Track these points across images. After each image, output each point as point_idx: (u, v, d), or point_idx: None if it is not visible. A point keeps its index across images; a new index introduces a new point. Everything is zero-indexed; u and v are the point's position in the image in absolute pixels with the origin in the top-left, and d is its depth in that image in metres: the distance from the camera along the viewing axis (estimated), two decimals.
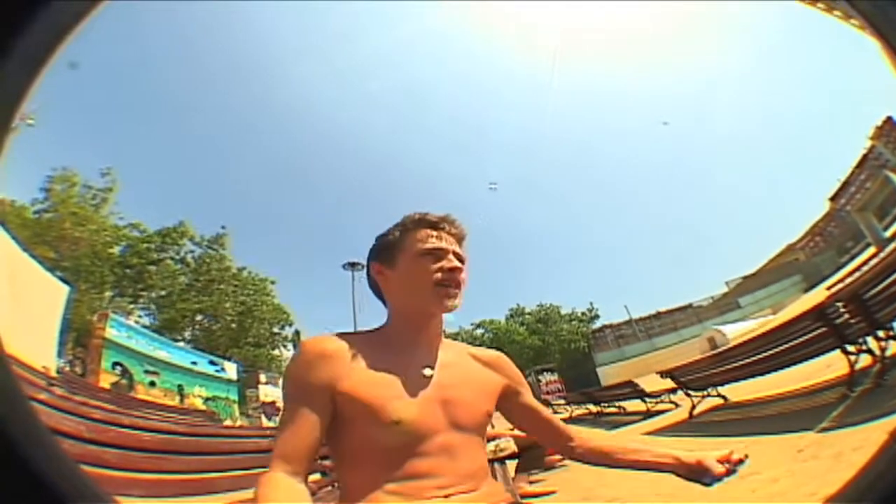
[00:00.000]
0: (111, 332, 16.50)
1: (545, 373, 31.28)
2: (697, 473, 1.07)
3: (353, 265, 26.84)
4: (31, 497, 0.44)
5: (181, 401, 18.32)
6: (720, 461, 1.04)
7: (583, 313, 42.19)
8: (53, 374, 10.70)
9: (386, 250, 1.20)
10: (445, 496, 1.00)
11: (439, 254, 1.15)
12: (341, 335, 1.11)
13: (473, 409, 1.13)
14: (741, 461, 1.04)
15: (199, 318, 28.18)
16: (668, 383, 7.90)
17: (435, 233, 1.18)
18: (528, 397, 1.30)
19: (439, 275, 1.13)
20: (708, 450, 1.11)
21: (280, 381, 1.09)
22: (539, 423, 1.30)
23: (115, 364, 16.19)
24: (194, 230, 29.15)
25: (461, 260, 1.18)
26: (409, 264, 1.15)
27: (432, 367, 1.14)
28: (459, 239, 1.22)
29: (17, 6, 0.45)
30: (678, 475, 1.09)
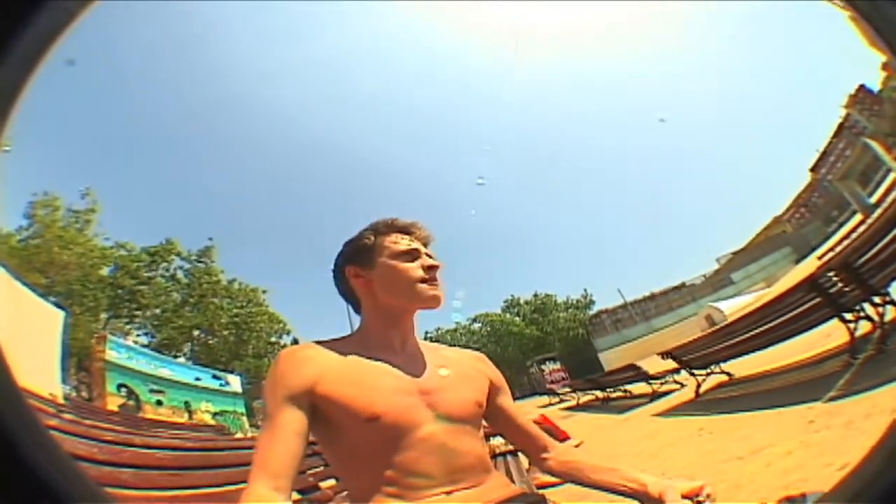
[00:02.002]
0: (111, 354, 16.26)
1: (548, 362, 31.41)
2: None
3: None
4: (30, 496, 0.44)
5: (190, 417, 18.11)
6: (686, 495, 0.96)
7: (578, 300, 42.43)
8: (61, 400, 10.63)
9: (361, 253, 1.22)
10: (447, 493, 0.99)
11: (414, 254, 1.20)
12: (318, 342, 1.12)
13: (459, 398, 1.12)
14: (709, 497, 0.95)
15: (196, 333, 28.13)
16: (671, 364, 7.92)
17: (407, 236, 1.23)
18: (508, 400, 1.30)
19: (420, 272, 1.17)
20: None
21: None
22: (517, 428, 1.29)
23: (121, 386, 15.97)
24: (181, 246, 29.21)
25: (430, 259, 1.23)
26: (388, 264, 1.18)
27: (411, 361, 1.15)
28: (427, 243, 1.26)
29: (9, 6, 0.45)
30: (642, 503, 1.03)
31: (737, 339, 6.15)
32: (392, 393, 1.04)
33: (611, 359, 30.07)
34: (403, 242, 1.21)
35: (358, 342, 1.15)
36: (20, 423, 0.46)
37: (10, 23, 0.44)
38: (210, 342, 28.18)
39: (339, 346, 1.12)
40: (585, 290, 42.30)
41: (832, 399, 3.57)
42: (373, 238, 1.22)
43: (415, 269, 1.17)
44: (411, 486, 0.97)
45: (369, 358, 1.10)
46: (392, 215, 1.28)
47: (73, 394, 15.78)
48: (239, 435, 17.89)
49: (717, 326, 8.59)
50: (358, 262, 1.22)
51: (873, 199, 23.48)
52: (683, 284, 39.21)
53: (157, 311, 27.34)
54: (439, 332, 39.93)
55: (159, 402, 17.11)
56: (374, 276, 1.19)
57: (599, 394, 12.76)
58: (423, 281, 1.17)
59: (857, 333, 4.39)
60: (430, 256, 1.23)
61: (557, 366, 31.06)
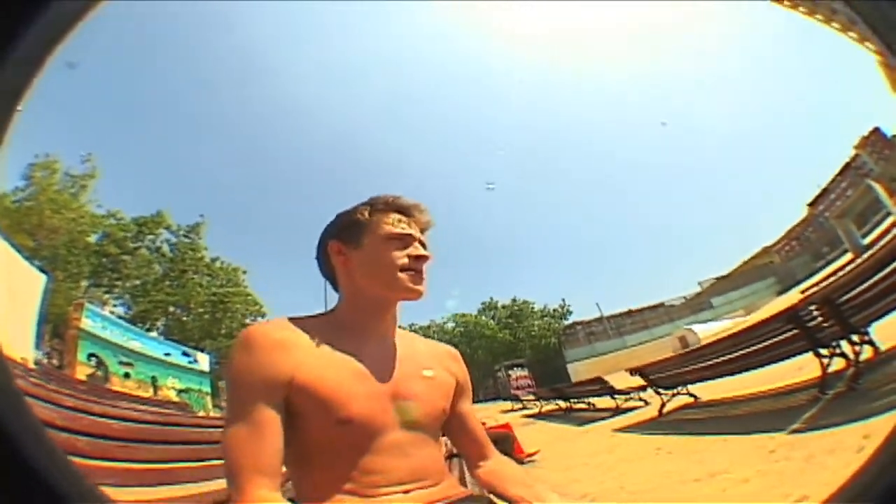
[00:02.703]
0: (86, 323, 16.16)
1: (515, 368, 31.57)
2: None
3: None
4: (28, 495, 0.44)
5: (155, 392, 18.04)
6: None
7: (555, 310, 42.61)
8: (31, 365, 10.62)
9: (350, 229, 1.12)
10: (405, 492, 0.96)
11: (407, 240, 1.11)
12: (292, 320, 1.03)
13: (428, 406, 1.07)
14: None
15: (172, 309, 28.14)
16: (638, 381, 7.92)
17: (405, 218, 1.13)
18: (467, 403, 1.26)
19: (406, 260, 1.08)
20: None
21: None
22: (467, 432, 1.23)
23: (91, 356, 15.88)
24: (171, 219, 29.27)
25: (423, 247, 1.13)
26: (375, 246, 1.09)
27: (387, 360, 1.08)
28: (425, 229, 1.17)
29: (14, 6, 0.44)
30: None
31: (708, 363, 6.13)
32: (366, 397, 0.98)
33: (579, 371, 30.24)
34: (399, 225, 1.11)
35: (333, 325, 1.07)
36: (19, 423, 0.45)
37: (12, 23, 0.44)
38: (184, 319, 28.21)
39: (314, 328, 1.03)
40: (563, 300, 42.47)
41: (796, 431, 3.53)
42: (367, 214, 1.12)
43: (401, 256, 1.08)
44: (369, 484, 0.94)
45: (345, 349, 1.02)
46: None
47: (45, 360, 15.78)
48: (201, 413, 17.84)
49: (691, 348, 8.56)
50: (344, 238, 1.13)
51: (867, 241, 23.78)
52: (662, 304, 39.59)
53: (138, 282, 27.38)
54: (412, 326, 39.98)
55: (127, 375, 17.04)
56: (357, 256, 1.10)
57: (563, 404, 12.78)
58: (407, 271, 1.08)
59: (830, 369, 4.34)
60: (423, 245, 1.14)
61: (525, 372, 31.24)
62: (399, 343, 1.14)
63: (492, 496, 1.15)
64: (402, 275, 1.07)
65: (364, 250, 1.09)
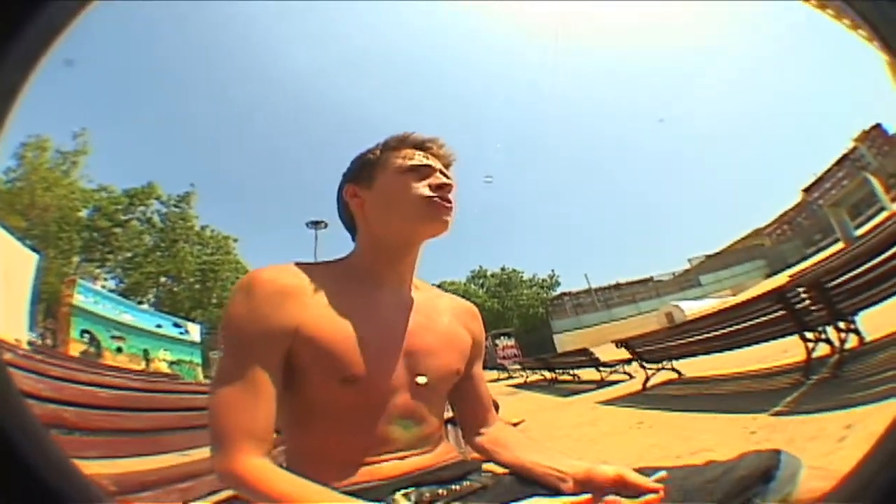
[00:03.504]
0: (79, 299, 16.11)
1: (502, 337, 31.83)
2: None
3: (316, 224, 26.47)
4: (28, 497, 0.42)
5: (147, 365, 18.00)
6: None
7: (543, 280, 42.86)
8: (25, 346, 10.45)
9: (362, 169, 1.04)
10: (401, 458, 0.90)
11: (426, 171, 1.01)
12: (300, 265, 0.94)
13: (443, 367, 1.00)
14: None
15: (163, 279, 28.37)
16: (624, 354, 7.95)
17: (421, 152, 1.03)
18: (479, 365, 1.18)
19: (426, 190, 0.98)
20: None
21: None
22: (473, 396, 1.15)
23: (84, 332, 15.88)
24: (162, 190, 29.38)
25: (446, 178, 1.03)
26: (389, 180, 1.00)
27: (402, 312, 1.00)
28: (447, 164, 1.07)
29: (10, 4, 0.43)
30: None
31: (694, 338, 6.17)
32: (376, 353, 0.89)
33: (565, 341, 30.63)
34: (417, 157, 1.02)
35: (346, 273, 0.99)
36: (18, 423, 0.44)
37: (9, 23, 0.43)
38: (175, 289, 28.41)
39: (325, 274, 0.95)
40: (553, 270, 42.70)
41: (778, 414, 3.55)
42: (378, 153, 1.04)
43: (420, 186, 0.99)
44: (370, 449, 0.88)
45: (358, 299, 0.94)
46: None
47: (39, 341, 15.62)
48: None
49: (678, 323, 8.63)
50: (357, 180, 1.04)
51: (858, 232, 23.92)
52: (651, 279, 39.92)
53: (129, 254, 27.53)
54: None
55: (119, 350, 17.09)
56: (371, 195, 1.02)
57: (548, 374, 12.91)
58: (429, 200, 0.98)
59: (815, 354, 4.39)
60: (446, 175, 1.03)
61: (511, 342, 31.53)
62: (416, 295, 1.06)
63: (488, 463, 1.08)
64: (422, 204, 0.97)
65: (376, 188, 1.01)
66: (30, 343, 11.92)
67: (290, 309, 0.85)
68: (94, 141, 25.69)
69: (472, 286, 41.94)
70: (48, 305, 17.80)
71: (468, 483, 0.95)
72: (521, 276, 43.12)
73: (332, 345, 0.86)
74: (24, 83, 0.45)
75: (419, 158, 1.01)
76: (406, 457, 0.91)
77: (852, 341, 4.22)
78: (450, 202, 1.00)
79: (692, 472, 0.85)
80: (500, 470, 1.04)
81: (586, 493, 0.78)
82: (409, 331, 0.97)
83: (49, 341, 16.57)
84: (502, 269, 43.31)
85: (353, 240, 1.07)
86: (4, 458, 0.42)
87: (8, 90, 0.45)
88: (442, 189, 0.99)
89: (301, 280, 0.90)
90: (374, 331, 0.91)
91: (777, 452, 0.82)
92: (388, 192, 0.99)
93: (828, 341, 4.32)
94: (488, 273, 43.27)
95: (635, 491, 0.76)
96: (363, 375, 0.86)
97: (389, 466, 0.88)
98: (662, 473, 0.80)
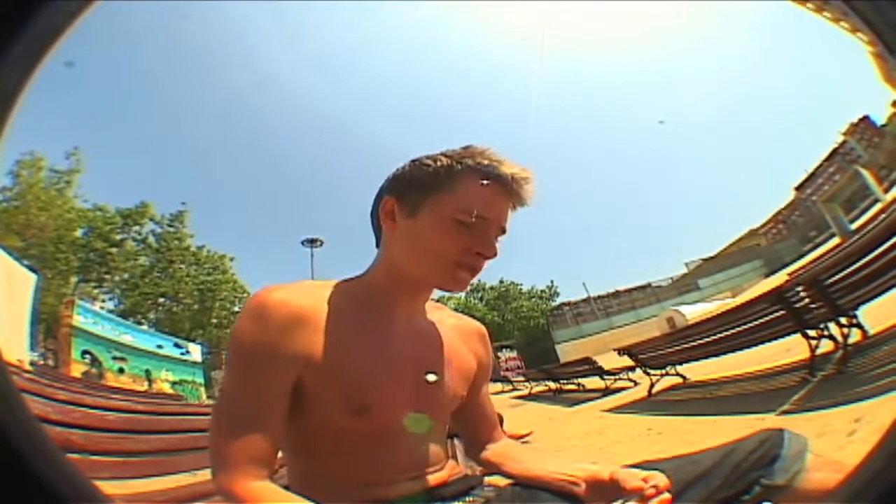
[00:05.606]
0: (78, 320, 15.97)
1: (504, 350, 31.66)
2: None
3: (311, 241, 26.36)
4: (25, 495, 0.43)
5: (150, 386, 17.89)
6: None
7: (542, 291, 42.77)
8: (27, 367, 10.39)
9: (415, 188, 0.90)
10: (410, 479, 0.89)
11: (480, 230, 0.87)
12: (316, 286, 0.90)
13: (449, 395, 0.98)
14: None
15: (161, 300, 28.01)
16: (627, 361, 7.93)
17: (499, 191, 0.88)
18: (485, 385, 1.15)
19: (466, 256, 0.87)
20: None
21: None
22: (479, 415, 1.13)
23: (85, 353, 15.73)
24: (155, 210, 29.05)
25: (502, 233, 0.92)
26: (432, 225, 0.87)
27: (415, 340, 0.96)
28: (520, 205, 0.92)
29: (9, 6, 0.44)
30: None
31: (696, 343, 6.15)
32: (388, 384, 0.87)
33: (567, 351, 30.47)
34: (483, 203, 0.87)
35: (362, 295, 0.93)
36: (16, 422, 0.45)
37: (9, 24, 0.44)
38: (174, 310, 28.12)
39: (341, 297, 0.90)
40: (552, 281, 42.67)
41: (785, 413, 3.54)
42: (442, 173, 0.88)
43: (461, 248, 0.87)
44: (376, 474, 0.87)
45: (372, 326, 0.90)
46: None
47: (40, 361, 15.52)
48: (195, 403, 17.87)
49: (678, 328, 8.61)
50: (401, 198, 0.92)
51: (854, 226, 24.02)
52: (649, 285, 39.91)
53: (126, 276, 27.34)
54: None
55: (121, 370, 16.90)
56: (408, 226, 0.90)
57: (552, 385, 12.83)
58: (460, 265, 0.88)
59: (818, 351, 4.37)
60: (502, 231, 0.92)
61: (514, 354, 31.39)
62: (426, 319, 1.02)
63: (490, 476, 1.08)
64: (450, 267, 0.88)
65: (418, 223, 0.89)
66: (32, 363, 11.87)
67: (302, 337, 0.81)
68: (85, 159, 25.67)
69: (472, 300, 41.82)
70: (48, 326, 17.67)
71: (471, 499, 0.94)
72: (520, 288, 43.05)
73: (343, 377, 0.83)
74: (24, 85, 0.45)
75: (486, 207, 0.87)
76: (411, 478, 0.90)
77: (856, 336, 4.21)
78: (480, 269, 0.91)
79: (686, 462, 0.85)
80: (502, 483, 1.03)
81: (597, 495, 0.79)
82: (419, 360, 0.94)
83: (51, 362, 16.47)
84: (500, 282, 43.26)
85: (377, 245, 1.00)
86: (2, 457, 0.42)
87: (8, 92, 0.45)
88: (480, 259, 0.89)
89: (314, 304, 0.85)
90: (387, 362, 0.89)
91: (780, 431, 0.81)
92: (425, 239, 0.89)
93: (831, 337, 4.30)
94: (486, 286, 43.19)
95: (640, 488, 0.73)
96: (373, 407, 0.84)
97: (394, 488, 0.87)
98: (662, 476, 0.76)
